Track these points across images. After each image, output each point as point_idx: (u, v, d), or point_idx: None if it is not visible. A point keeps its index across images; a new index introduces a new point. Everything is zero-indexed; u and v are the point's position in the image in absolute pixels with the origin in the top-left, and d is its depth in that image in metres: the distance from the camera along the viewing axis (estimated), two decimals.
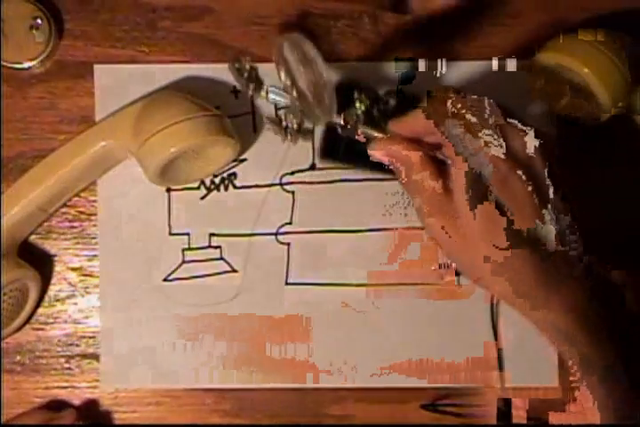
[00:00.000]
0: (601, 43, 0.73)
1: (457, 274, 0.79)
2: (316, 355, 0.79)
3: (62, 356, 0.79)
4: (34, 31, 0.76)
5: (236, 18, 0.79)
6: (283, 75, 0.65)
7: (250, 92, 0.69)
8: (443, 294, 0.79)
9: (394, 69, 0.78)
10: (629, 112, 0.78)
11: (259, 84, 0.68)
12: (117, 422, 0.79)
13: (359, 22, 0.79)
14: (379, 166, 0.73)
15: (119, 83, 0.78)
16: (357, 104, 0.70)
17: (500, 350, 0.77)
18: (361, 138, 0.67)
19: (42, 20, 0.76)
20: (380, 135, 0.66)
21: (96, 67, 0.79)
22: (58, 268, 0.79)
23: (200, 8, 0.79)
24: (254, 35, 0.76)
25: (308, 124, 0.70)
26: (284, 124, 0.69)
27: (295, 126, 0.69)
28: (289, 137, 0.69)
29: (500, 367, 0.77)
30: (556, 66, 0.74)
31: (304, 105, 0.66)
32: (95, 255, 0.79)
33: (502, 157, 0.60)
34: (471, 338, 0.79)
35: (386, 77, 0.78)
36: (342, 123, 0.69)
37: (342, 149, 0.74)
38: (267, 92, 0.69)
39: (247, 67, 0.68)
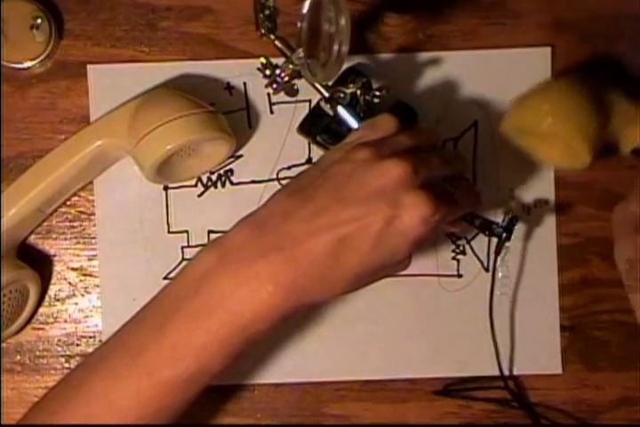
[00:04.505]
0: (561, 90, 0.73)
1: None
2: (316, 348, 0.79)
3: (62, 356, 0.79)
4: (34, 31, 0.76)
5: (236, 18, 0.79)
6: (306, 9, 0.64)
7: (262, 31, 0.69)
8: (442, 286, 0.80)
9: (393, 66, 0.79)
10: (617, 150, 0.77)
11: (273, 26, 0.69)
12: None
13: (359, 22, 0.79)
14: None
15: (113, 82, 0.78)
16: (350, 85, 0.71)
17: (495, 340, 0.77)
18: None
19: (42, 20, 0.76)
20: (352, 120, 0.70)
21: (89, 67, 0.79)
22: (58, 268, 0.79)
23: (200, 8, 0.79)
24: (254, 35, 0.75)
25: (297, 83, 0.70)
26: (277, 71, 0.69)
27: (285, 78, 0.69)
28: (273, 86, 0.69)
29: (498, 357, 0.78)
30: (523, 126, 0.74)
31: (309, 53, 0.66)
32: (95, 255, 0.79)
33: None
34: (474, 328, 0.79)
35: (383, 73, 0.78)
36: (327, 95, 0.70)
37: (321, 128, 0.75)
38: (276, 37, 0.69)
39: (271, 4, 0.68)
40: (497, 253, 0.77)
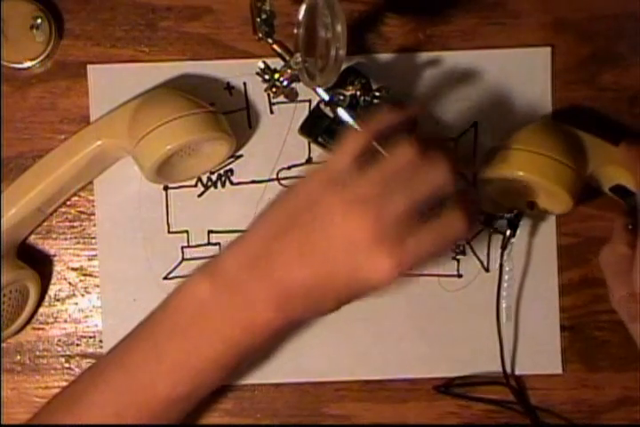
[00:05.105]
0: (536, 140, 0.73)
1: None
2: (316, 348, 0.79)
3: (62, 356, 0.79)
4: (34, 31, 0.76)
5: (236, 18, 0.79)
6: (301, 16, 0.65)
7: (260, 35, 0.69)
8: (445, 286, 0.80)
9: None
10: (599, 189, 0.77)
11: (271, 30, 0.69)
12: None
13: (359, 22, 0.79)
14: None
15: (113, 82, 0.78)
16: (350, 87, 0.71)
17: (500, 336, 0.78)
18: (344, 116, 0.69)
19: (42, 20, 0.76)
20: (352, 121, 0.69)
21: (89, 67, 0.79)
22: (58, 268, 0.79)
23: (200, 8, 0.79)
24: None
25: (297, 86, 0.70)
26: (276, 75, 0.69)
27: (284, 83, 0.69)
28: (273, 89, 0.69)
29: (502, 357, 0.78)
30: (502, 177, 0.74)
31: (306, 57, 0.66)
32: (95, 255, 0.79)
33: None
34: (474, 328, 0.79)
35: (382, 74, 0.78)
36: (326, 98, 0.70)
37: (322, 129, 0.75)
38: (274, 41, 0.69)
39: (268, 8, 0.68)
40: (503, 248, 0.77)
